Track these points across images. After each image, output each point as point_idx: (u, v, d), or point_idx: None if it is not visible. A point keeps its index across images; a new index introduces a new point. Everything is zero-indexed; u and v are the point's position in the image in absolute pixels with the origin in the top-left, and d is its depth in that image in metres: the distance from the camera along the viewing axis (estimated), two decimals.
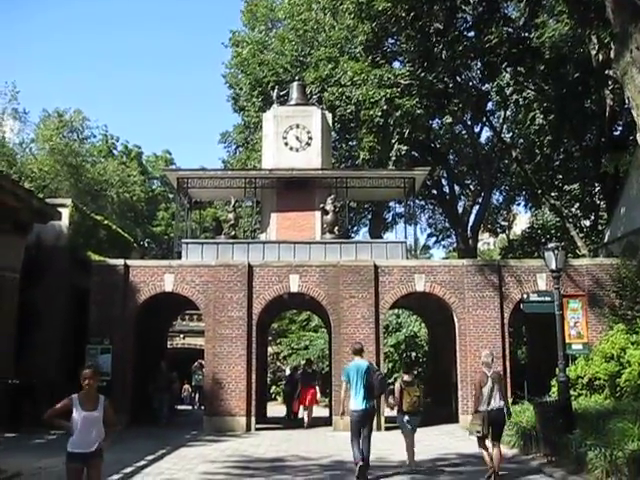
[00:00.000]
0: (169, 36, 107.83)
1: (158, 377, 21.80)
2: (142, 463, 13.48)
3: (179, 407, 29.62)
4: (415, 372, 16.17)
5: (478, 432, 11.31)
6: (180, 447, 16.25)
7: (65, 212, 21.71)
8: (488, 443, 11.46)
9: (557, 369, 14.06)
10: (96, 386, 7.54)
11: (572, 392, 15.54)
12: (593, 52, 26.30)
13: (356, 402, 11.69)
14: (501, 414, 11.45)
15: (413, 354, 30.88)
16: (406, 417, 12.76)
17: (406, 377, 13.02)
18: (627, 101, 11.19)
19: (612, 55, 11.78)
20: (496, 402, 11.32)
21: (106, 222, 27.31)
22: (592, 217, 34.20)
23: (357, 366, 11.94)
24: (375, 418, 17.47)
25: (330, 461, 13.96)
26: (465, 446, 14.80)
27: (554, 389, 16.08)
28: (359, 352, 12.30)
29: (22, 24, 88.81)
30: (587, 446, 11.13)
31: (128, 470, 12.45)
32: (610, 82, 25.97)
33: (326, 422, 21.29)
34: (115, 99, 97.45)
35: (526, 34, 27.71)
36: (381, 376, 12.38)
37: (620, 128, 30.16)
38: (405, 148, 28.57)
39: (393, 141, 28.32)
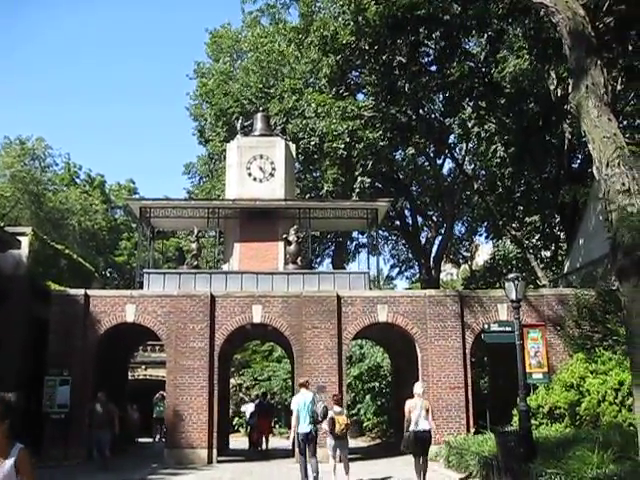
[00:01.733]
0: (134, 67, 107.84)
1: (95, 410, 18.39)
2: None
3: (140, 440, 29.11)
4: (344, 406, 17.30)
5: (407, 448, 13.72)
6: None
7: (25, 240, 21.44)
8: (419, 459, 13.73)
9: (518, 398, 14.15)
10: (5, 429, 4.96)
11: (533, 421, 15.63)
12: (552, 87, 26.97)
13: (303, 426, 13.88)
14: (427, 434, 13.76)
15: (376, 384, 30.81)
16: (334, 441, 14.35)
17: (336, 408, 14.57)
18: (584, 135, 11.39)
19: (569, 90, 12.01)
20: (423, 424, 13.63)
21: (67, 251, 26.97)
22: (552, 248, 34.73)
23: (304, 397, 14.13)
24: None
25: None
26: (430, 477, 14.75)
27: (515, 418, 16.15)
28: (305, 385, 14.66)
29: None
30: (547, 474, 11.14)
31: None
32: (569, 116, 26.56)
33: (288, 454, 21.08)
34: (79, 128, 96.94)
35: (487, 69, 28.26)
36: (323, 405, 14.44)
37: (579, 161, 30.80)
38: (368, 180, 28.80)
39: (357, 173, 28.57)
